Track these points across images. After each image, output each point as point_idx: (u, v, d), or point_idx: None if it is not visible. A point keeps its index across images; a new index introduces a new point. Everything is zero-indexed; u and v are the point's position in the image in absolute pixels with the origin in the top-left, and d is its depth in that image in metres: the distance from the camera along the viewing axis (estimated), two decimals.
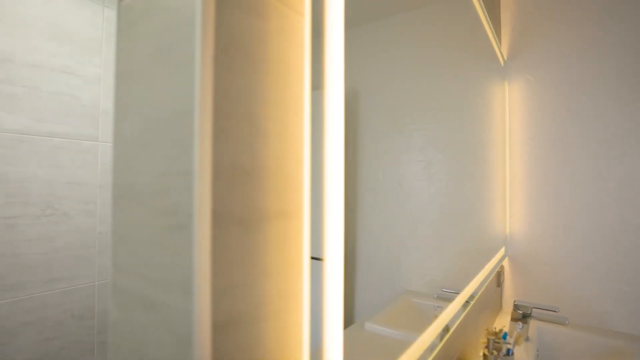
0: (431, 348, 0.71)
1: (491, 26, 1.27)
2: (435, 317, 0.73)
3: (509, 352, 0.85)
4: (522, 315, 1.11)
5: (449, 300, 0.80)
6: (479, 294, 0.97)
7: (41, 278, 1.17)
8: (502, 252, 1.41)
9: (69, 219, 1.24)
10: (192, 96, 0.23)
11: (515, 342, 0.87)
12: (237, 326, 0.25)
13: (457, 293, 0.84)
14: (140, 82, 0.27)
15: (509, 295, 1.45)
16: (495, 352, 0.86)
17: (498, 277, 1.34)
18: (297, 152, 0.31)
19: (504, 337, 0.85)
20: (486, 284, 1.10)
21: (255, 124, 0.27)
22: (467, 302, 0.91)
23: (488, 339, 0.84)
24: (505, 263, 1.48)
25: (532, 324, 1.17)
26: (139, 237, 0.27)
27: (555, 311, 1.06)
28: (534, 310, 1.08)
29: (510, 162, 1.49)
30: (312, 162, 0.33)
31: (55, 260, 1.21)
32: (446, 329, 0.78)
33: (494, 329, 0.89)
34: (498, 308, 1.43)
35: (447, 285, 0.82)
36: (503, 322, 1.32)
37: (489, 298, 1.20)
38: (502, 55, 1.49)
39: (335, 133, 0.35)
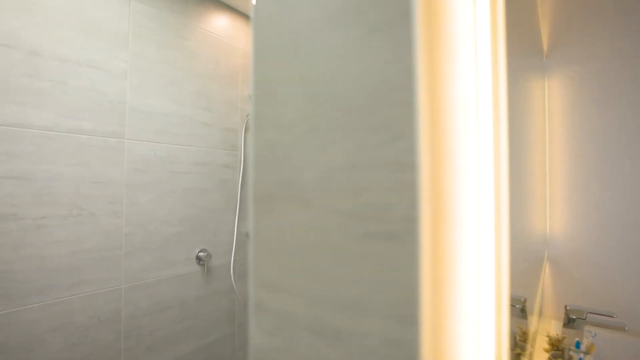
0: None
1: (537, 17, 1.21)
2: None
3: None
4: (571, 320, 1.05)
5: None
6: (538, 300, 0.92)
7: (68, 281, 1.12)
8: (545, 254, 1.36)
9: (96, 219, 1.19)
10: (409, 67, 0.18)
11: (588, 351, 0.81)
12: None
13: (524, 300, 0.78)
14: (303, 52, 0.22)
15: (551, 298, 1.40)
16: None
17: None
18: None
19: (577, 345, 0.80)
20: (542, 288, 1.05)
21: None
22: (522, 308, 0.86)
23: (563, 349, 0.78)
24: (545, 265, 1.43)
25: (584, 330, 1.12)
26: (304, 247, 0.22)
27: (613, 316, 1.00)
28: (588, 315, 1.03)
29: (550, 160, 1.44)
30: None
31: (82, 262, 1.15)
32: (513, 338, 0.73)
33: (556, 336, 0.84)
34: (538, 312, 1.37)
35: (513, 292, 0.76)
36: (547, 327, 1.26)
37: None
38: (543, 50, 1.44)
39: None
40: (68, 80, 1.13)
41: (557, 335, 0.83)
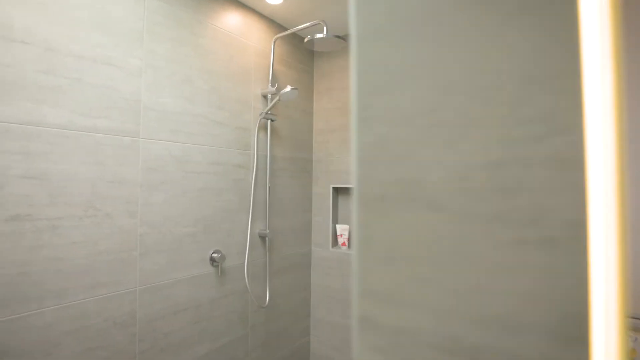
0: None
1: None
2: None
3: None
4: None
5: None
6: None
7: (83, 283, 1.10)
8: None
9: (111, 220, 1.17)
10: (574, 50, 0.16)
11: (630, 356, 0.79)
12: None
13: None
14: (427, 35, 0.20)
15: None
16: None
17: None
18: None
19: None
20: None
21: None
22: None
23: None
24: None
25: None
26: (432, 255, 0.19)
27: None
28: (632, 320, 1.00)
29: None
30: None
31: (97, 264, 1.13)
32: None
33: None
34: None
35: None
36: None
37: None
38: None
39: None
40: (84, 77, 1.10)
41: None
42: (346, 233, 1.98)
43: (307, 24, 1.60)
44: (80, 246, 1.09)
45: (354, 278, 0.22)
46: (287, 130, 1.91)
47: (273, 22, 1.84)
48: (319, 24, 1.52)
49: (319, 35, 1.46)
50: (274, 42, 1.76)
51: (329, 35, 1.45)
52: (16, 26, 0.96)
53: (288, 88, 1.56)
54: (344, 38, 1.48)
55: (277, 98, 1.60)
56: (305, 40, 1.50)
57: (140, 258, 1.25)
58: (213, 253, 1.50)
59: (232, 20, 1.61)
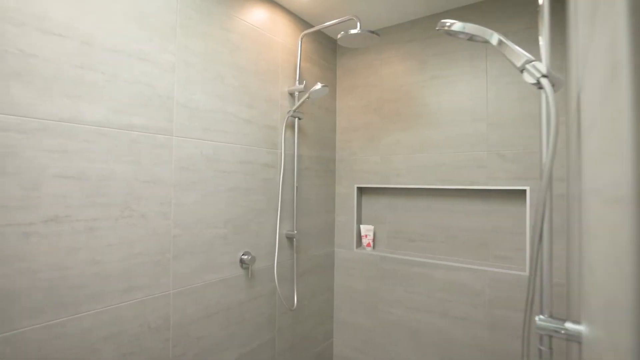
0: None
1: None
2: None
3: None
4: None
5: None
6: None
7: (119, 287, 1.06)
8: None
9: (146, 221, 1.12)
10: None
11: None
12: None
13: None
14: None
15: None
16: None
17: None
18: None
19: None
20: None
21: None
22: None
23: None
24: None
25: None
26: None
27: None
28: None
29: None
30: None
31: (132, 267, 1.09)
32: None
33: None
34: None
35: None
36: None
37: None
38: None
39: None
40: (119, 72, 1.06)
41: None
42: (371, 234, 1.94)
43: (338, 20, 1.55)
44: (116, 248, 1.05)
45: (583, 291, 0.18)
46: (311, 128, 1.87)
47: (300, 19, 1.80)
48: (352, 19, 1.48)
49: (353, 31, 1.41)
50: (301, 39, 1.72)
51: (363, 30, 1.41)
52: (53, 18, 0.92)
53: (318, 85, 1.51)
54: (377, 33, 1.43)
55: (306, 96, 1.56)
56: (339, 36, 1.45)
57: (173, 260, 1.20)
58: (243, 255, 1.46)
59: (260, 15, 1.56)
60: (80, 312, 0.97)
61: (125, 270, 1.07)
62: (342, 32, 1.44)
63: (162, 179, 1.17)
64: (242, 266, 1.45)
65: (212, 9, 1.34)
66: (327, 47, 1.99)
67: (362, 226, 1.97)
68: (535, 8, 1.47)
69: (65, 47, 0.94)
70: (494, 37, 0.74)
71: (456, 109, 1.65)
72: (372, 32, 1.42)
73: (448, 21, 0.76)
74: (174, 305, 1.21)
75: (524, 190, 1.54)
